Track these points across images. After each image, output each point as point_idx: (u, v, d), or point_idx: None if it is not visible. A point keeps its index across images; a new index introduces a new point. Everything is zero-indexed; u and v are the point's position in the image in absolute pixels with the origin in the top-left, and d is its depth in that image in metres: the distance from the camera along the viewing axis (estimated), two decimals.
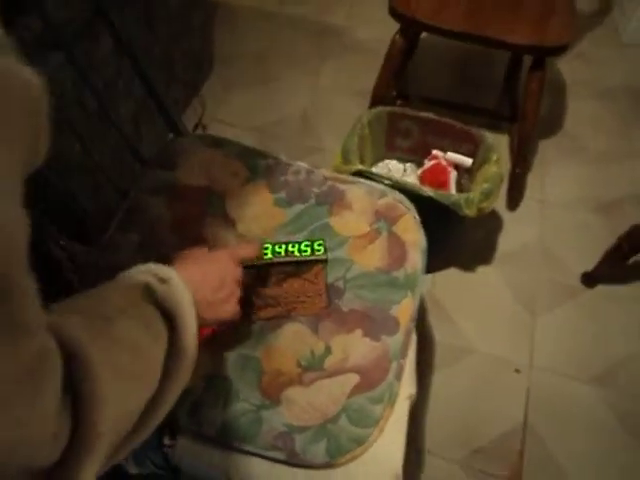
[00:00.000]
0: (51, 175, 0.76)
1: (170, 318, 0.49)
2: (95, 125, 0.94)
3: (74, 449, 0.35)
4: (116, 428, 0.40)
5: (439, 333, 1.25)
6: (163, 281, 0.52)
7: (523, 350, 1.22)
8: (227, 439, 0.64)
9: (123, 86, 1.20)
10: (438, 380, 1.18)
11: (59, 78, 0.92)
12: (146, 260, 0.76)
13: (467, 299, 1.30)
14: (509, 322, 1.27)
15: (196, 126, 1.63)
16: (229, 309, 0.60)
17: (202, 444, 0.64)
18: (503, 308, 1.29)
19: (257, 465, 0.64)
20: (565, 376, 1.19)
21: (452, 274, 1.34)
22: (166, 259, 0.58)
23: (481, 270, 1.35)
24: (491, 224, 1.42)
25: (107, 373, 0.39)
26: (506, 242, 1.39)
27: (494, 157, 1.10)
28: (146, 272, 0.53)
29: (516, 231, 1.41)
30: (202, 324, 0.55)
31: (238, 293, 0.62)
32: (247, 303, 0.70)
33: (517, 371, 1.19)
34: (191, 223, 0.79)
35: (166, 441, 0.64)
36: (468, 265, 1.35)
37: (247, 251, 0.66)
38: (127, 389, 0.41)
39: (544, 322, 1.27)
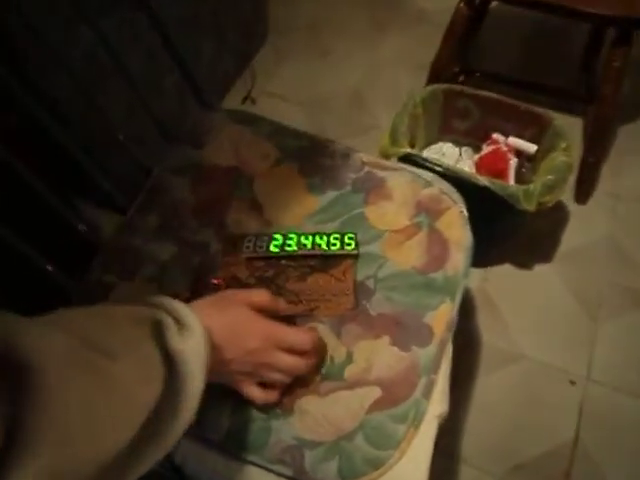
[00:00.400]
0: (71, 147, 0.72)
1: (171, 366, 0.43)
2: (123, 95, 0.89)
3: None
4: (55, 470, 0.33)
5: (487, 333, 1.15)
6: (181, 325, 0.45)
7: (580, 360, 1.11)
8: (232, 447, 0.59)
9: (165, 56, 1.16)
10: (481, 385, 1.09)
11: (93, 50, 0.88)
12: (163, 244, 0.72)
13: (522, 299, 1.19)
14: (567, 328, 1.15)
15: (245, 99, 1.58)
16: (235, 383, 0.55)
17: (206, 448, 0.60)
18: (562, 312, 1.17)
19: (262, 477, 0.58)
20: (626, 393, 1.07)
21: (507, 270, 1.23)
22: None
23: (540, 268, 1.23)
24: (555, 217, 1.29)
25: (69, 403, 0.33)
26: (571, 238, 1.26)
27: (563, 144, 0.97)
28: (161, 305, 0.46)
29: (583, 227, 1.27)
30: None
31: (275, 377, 0.56)
32: None
33: (572, 383, 1.08)
34: (215, 207, 0.74)
35: None
36: (526, 261, 1.23)
37: (294, 337, 0.57)
38: (89, 430, 0.35)
39: (607, 330, 1.14)
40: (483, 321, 1.16)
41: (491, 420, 1.05)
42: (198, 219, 0.73)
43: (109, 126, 0.77)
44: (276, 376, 0.56)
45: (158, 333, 0.43)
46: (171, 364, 0.42)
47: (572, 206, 1.30)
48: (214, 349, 0.48)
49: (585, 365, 1.10)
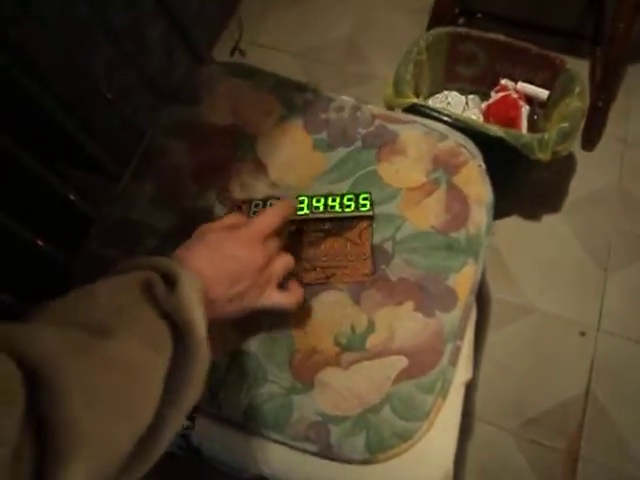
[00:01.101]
0: (56, 110, 0.66)
1: (175, 324, 0.40)
2: (105, 49, 0.82)
3: None
4: (99, 462, 0.31)
5: (495, 288, 1.13)
6: (168, 279, 0.42)
7: (591, 311, 1.09)
8: (252, 425, 0.56)
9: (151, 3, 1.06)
10: (492, 340, 1.07)
11: None
12: (162, 213, 0.67)
13: (529, 251, 1.16)
14: (576, 278, 1.13)
15: (233, 51, 1.48)
16: (249, 303, 0.50)
17: (225, 428, 0.57)
18: (570, 262, 1.14)
19: (287, 454, 0.56)
20: (637, 342, 1.06)
21: (513, 222, 1.19)
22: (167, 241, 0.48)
23: (547, 218, 1.19)
24: (562, 165, 1.24)
25: (87, 399, 0.31)
26: (578, 187, 1.22)
27: (577, 89, 0.92)
28: (146, 265, 0.43)
29: (591, 174, 1.23)
30: (220, 320, 0.46)
31: (262, 282, 0.51)
32: None
33: (582, 334, 1.07)
34: (216, 170, 0.68)
35: (184, 423, 0.56)
36: (532, 212, 1.20)
37: (272, 220, 0.54)
38: (114, 415, 0.33)
39: (617, 280, 1.12)
40: (490, 275, 1.14)
41: (503, 375, 1.04)
42: (198, 184, 0.68)
43: (93, 84, 0.70)
44: (279, 269, 0.53)
45: (149, 294, 0.41)
46: (170, 319, 0.40)
47: (579, 153, 1.25)
48: (206, 286, 0.45)
49: (595, 316, 1.08)
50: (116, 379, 0.34)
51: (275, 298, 0.52)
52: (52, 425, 0.29)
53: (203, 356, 0.41)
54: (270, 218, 0.54)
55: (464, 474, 0.97)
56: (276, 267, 0.52)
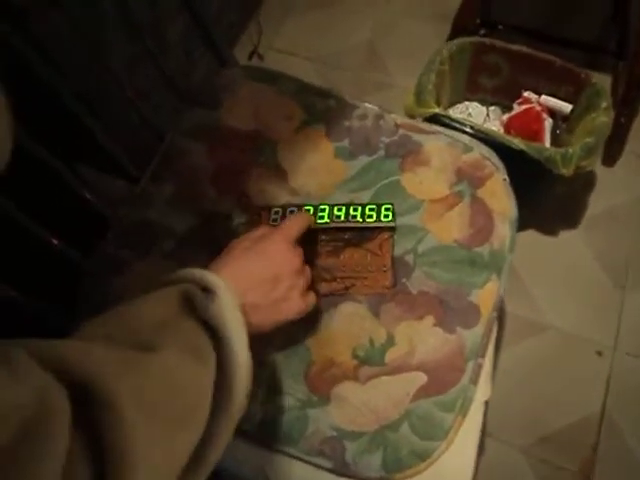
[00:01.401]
0: (76, 107, 0.65)
1: (215, 337, 0.39)
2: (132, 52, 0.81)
3: None
4: (160, 473, 0.31)
5: (510, 303, 1.11)
6: (206, 290, 0.41)
7: (608, 330, 1.07)
8: (265, 437, 0.54)
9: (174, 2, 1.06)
10: (505, 356, 1.05)
11: None
12: (180, 216, 0.66)
13: (546, 266, 1.14)
14: (593, 296, 1.10)
15: (251, 55, 1.48)
16: (291, 307, 0.49)
17: (236, 439, 0.55)
18: (588, 280, 1.12)
19: (299, 469, 0.54)
20: None
21: (530, 236, 1.17)
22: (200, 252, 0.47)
23: (565, 234, 1.17)
24: (581, 180, 1.22)
25: (141, 417, 0.30)
26: (598, 203, 1.20)
27: (603, 104, 0.90)
28: (183, 278, 0.42)
29: (611, 190, 1.21)
30: (256, 333, 0.44)
31: (301, 284, 0.50)
32: None
33: (599, 354, 1.05)
34: (236, 174, 0.67)
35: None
36: (550, 227, 1.18)
37: (298, 224, 0.53)
38: (168, 434, 0.32)
39: (635, 299, 1.10)
40: (506, 290, 1.12)
41: (516, 392, 1.02)
42: (217, 188, 0.67)
43: (114, 82, 0.69)
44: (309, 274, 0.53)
45: (189, 306, 0.40)
46: (212, 331, 0.40)
47: (599, 169, 1.24)
48: (245, 292, 0.45)
49: (612, 335, 1.06)
50: (167, 394, 0.34)
51: (314, 301, 0.52)
52: (108, 445, 0.28)
53: (246, 364, 0.40)
54: (296, 224, 0.53)
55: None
56: (308, 271, 0.52)
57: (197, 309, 0.40)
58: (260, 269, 0.47)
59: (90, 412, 0.28)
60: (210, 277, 0.42)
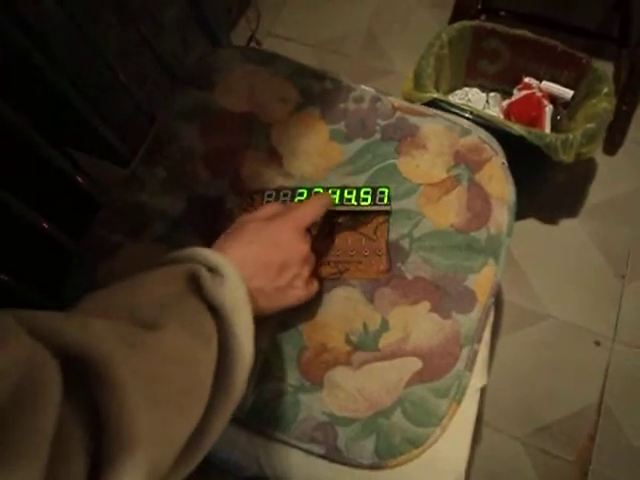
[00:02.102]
0: (69, 91, 0.63)
1: (219, 319, 0.38)
2: (120, 29, 0.80)
3: None
4: (158, 457, 0.30)
5: (509, 292, 1.10)
6: (214, 272, 0.40)
7: (606, 320, 1.06)
8: (257, 423, 0.54)
9: None
10: (503, 345, 1.05)
11: None
12: (171, 199, 0.64)
13: (545, 256, 1.13)
14: (593, 285, 1.09)
15: (249, 41, 1.46)
16: (294, 295, 0.49)
17: (228, 425, 0.54)
18: (587, 269, 1.11)
19: (291, 455, 0.54)
20: None
21: (530, 225, 1.16)
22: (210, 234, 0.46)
23: (565, 222, 1.16)
24: (581, 168, 1.21)
25: (141, 394, 0.29)
26: (598, 191, 1.19)
27: (605, 89, 0.88)
28: (191, 257, 0.41)
29: (612, 179, 1.20)
30: (259, 315, 0.43)
31: (306, 273, 0.50)
32: None
33: (597, 343, 1.04)
34: (229, 157, 0.66)
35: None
36: (550, 215, 1.17)
37: (314, 211, 0.52)
38: (168, 412, 0.31)
39: (635, 289, 1.09)
40: (504, 278, 1.10)
41: (514, 382, 1.01)
42: (210, 171, 0.66)
43: (108, 67, 0.68)
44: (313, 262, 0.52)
45: (194, 286, 0.39)
46: (217, 313, 0.39)
47: (599, 157, 1.22)
48: (251, 276, 0.44)
49: (611, 325, 1.05)
50: (169, 371, 0.33)
51: (316, 288, 0.52)
52: (108, 419, 0.27)
53: (249, 348, 0.39)
54: (312, 209, 0.52)
55: (468, 474, 0.94)
56: (313, 259, 0.51)
57: (203, 289, 0.39)
58: (269, 254, 0.46)
59: (87, 387, 0.28)
60: (218, 258, 0.41)
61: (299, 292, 0.49)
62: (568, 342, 1.04)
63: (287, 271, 0.47)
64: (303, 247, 0.49)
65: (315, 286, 0.53)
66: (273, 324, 0.57)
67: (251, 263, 0.45)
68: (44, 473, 0.23)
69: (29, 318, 0.29)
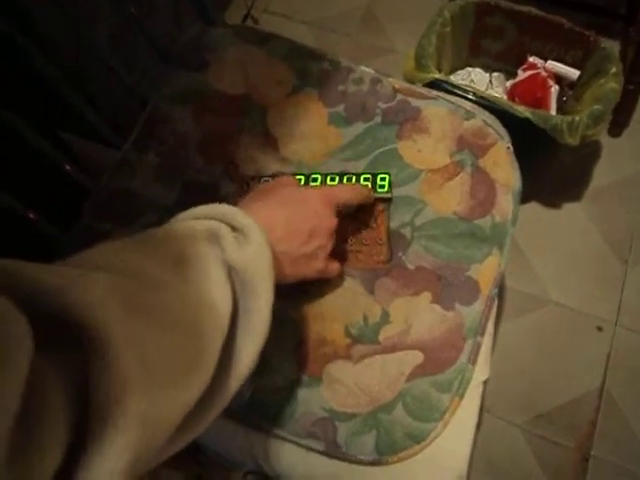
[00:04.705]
0: (50, 71, 0.61)
1: (238, 282, 0.36)
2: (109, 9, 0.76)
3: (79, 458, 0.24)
4: (142, 445, 0.27)
5: (510, 277, 1.08)
6: (237, 232, 0.38)
7: (609, 305, 1.04)
8: (254, 418, 0.52)
9: None
10: (504, 330, 1.03)
11: None
12: (164, 186, 0.62)
13: (547, 240, 1.11)
14: (595, 270, 1.08)
15: (245, 18, 1.42)
16: (315, 266, 0.48)
17: (223, 419, 0.53)
18: (590, 253, 1.09)
19: (289, 451, 0.52)
20: None
21: (531, 209, 1.14)
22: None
23: (568, 206, 1.14)
24: (585, 151, 1.18)
25: (137, 356, 0.27)
26: (602, 174, 1.16)
27: (612, 69, 0.86)
28: (211, 214, 0.38)
29: (616, 162, 1.17)
30: (279, 282, 0.41)
31: (329, 247, 0.49)
32: None
33: (599, 329, 1.02)
34: (222, 142, 0.63)
35: None
36: (552, 199, 1.14)
37: (350, 195, 0.52)
38: (168, 390, 0.29)
39: (639, 274, 1.07)
40: (506, 263, 1.09)
41: (514, 367, 1.00)
42: (204, 156, 0.63)
43: (95, 48, 0.65)
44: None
45: (215, 245, 0.36)
46: (235, 277, 0.37)
47: (604, 139, 1.19)
48: (278, 239, 0.43)
49: (614, 310, 1.04)
50: (173, 340, 0.31)
51: (337, 269, 0.52)
52: (96, 392, 0.25)
53: (266, 320, 0.37)
54: (349, 193, 0.52)
55: (470, 468, 0.94)
56: (334, 239, 0.50)
57: (224, 251, 0.36)
58: (298, 219, 0.45)
59: (75, 352, 0.25)
60: (244, 219, 0.38)
61: (319, 264, 0.48)
62: (570, 328, 1.03)
63: (314, 239, 0.46)
64: (332, 221, 0.48)
65: (336, 266, 0.52)
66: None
67: (280, 226, 0.43)
68: (11, 431, 0.21)
69: (4, 267, 0.26)
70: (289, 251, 0.44)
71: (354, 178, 0.59)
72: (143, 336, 0.28)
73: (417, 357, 0.53)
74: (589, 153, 1.18)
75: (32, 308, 0.24)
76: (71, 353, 0.25)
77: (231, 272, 0.36)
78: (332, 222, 0.48)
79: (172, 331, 0.31)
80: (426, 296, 0.55)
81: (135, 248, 0.35)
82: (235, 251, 0.36)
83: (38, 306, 0.25)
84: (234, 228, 0.38)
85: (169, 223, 0.39)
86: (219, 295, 0.35)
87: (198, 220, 0.38)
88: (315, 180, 0.59)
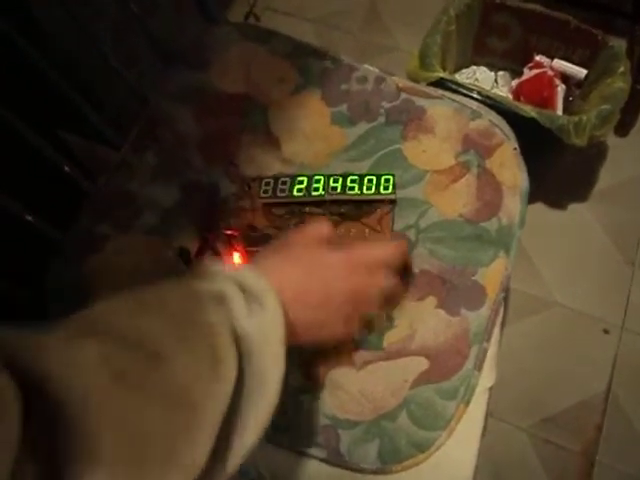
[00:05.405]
0: (49, 70, 0.59)
1: (246, 351, 0.33)
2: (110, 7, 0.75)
3: None
4: None
5: (514, 278, 1.05)
6: (249, 295, 0.34)
7: (615, 307, 1.03)
8: None
9: None
10: (509, 333, 1.02)
11: None
12: (163, 187, 0.61)
13: (553, 241, 1.10)
14: (602, 272, 1.06)
15: (247, 16, 1.40)
16: (336, 332, 0.42)
17: None
18: (596, 255, 1.08)
19: (291, 459, 0.51)
20: None
21: (537, 209, 1.12)
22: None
23: (574, 207, 1.13)
24: (591, 151, 1.17)
25: (122, 440, 0.24)
26: (608, 175, 1.15)
27: (620, 68, 0.84)
28: (224, 275, 0.35)
29: (622, 162, 1.16)
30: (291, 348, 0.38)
31: (355, 316, 0.43)
32: None
33: (605, 332, 1.01)
34: (224, 142, 0.62)
35: None
36: (558, 200, 1.13)
37: (385, 252, 0.46)
38: (159, 463, 0.27)
39: None
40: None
41: (519, 370, 0.99)
42: (204, 156, 0.62)
43: (95, 46, 0.63)
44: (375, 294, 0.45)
45: (223, 310, 0.33)
46: (242, 348, 0.33)
47: (610, 139, 1.18)
48: (288, 308, 0.37)
49: (620, 313, 1.02)
50: (167, 415, 0.28)
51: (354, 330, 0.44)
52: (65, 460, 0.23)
53: (274, 395, 0.34)
54: (386, 252, 0.46)
55: (475, 474, 0.92)
56: (373, 290, 0.44)
57: (233, 317, 0.33)
58: (314, 280, 0.40)
59: (51, 440, 0.23)
60: (258, 282, 0.35)
61: (342, 330, 0.42)
62: (576, 330, 1.01)
63: (328, 306, 0.41)
64: (362, 284, 0.42)
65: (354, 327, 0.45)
66: None
67: (291, 295, 0.38)
68: None
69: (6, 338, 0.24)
70: (297, 321, 0.38)
71: (357, 180, 0.58)
72: (134, 414, 0.26)
73: (422, 363, 0.52)
74: (595, 153, 1.17)
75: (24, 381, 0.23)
76: (46, 432, 0.23)
77: (238, 342, 0.33)
78: (354, 290, 0.42)
79: (168, 406, 0.28)
80: (431, 301, 0.54)
81: (135, 310, 0.31)
82: (247, 320, 0.33)
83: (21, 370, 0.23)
84: (244, 290, 0.34)
85: (177, 280, 0.35)
86: (223, 366, 0.31)
87: (206, 280, 0.35)
88: (318, 182, 0.58)
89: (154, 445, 0.27)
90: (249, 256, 0.55)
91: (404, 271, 0.53)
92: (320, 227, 0.44)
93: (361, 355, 0.52)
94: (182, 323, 0.31)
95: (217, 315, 0.32)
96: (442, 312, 0.54)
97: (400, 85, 0.64)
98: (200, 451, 0.30)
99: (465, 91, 0.83)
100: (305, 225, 0.45)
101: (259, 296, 0.34)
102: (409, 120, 0.62)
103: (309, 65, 0.65)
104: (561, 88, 0.91)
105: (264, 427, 0.34)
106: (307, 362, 0.52)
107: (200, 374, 0.30)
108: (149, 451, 0.26)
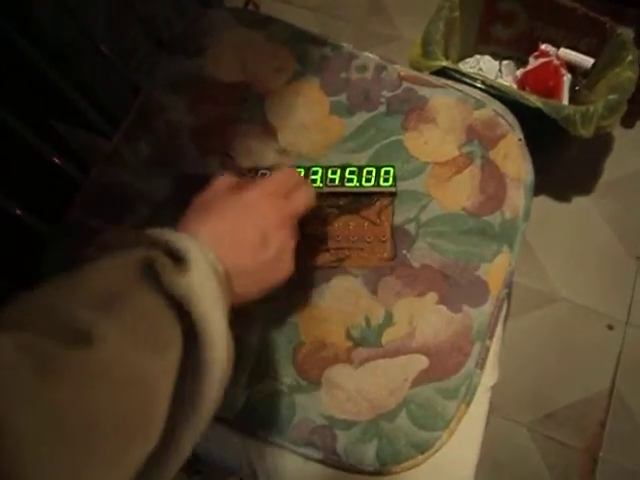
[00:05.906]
0: (39, 58, 0.58)
1: (186, 314, 0.32)
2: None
3: None
4: None
5: (518, 273, 1.04)
6: (175, 257, 0.33)
7: (620, 302, 1.01)
8: (249, 426, 0.49)
9: None
10: (512, 328, 1.00)
11: None
12: (157, 179, 0.59)
13: (557, 234, 1.08)
14: (606, 267, 1.04)
15: (246, 4, 1.38)
16: (283, 270, 0.42)
17: (218, 427, 0.50)
18: (600, 249, 1.06)
19: (287, 460, 0.50)
20: None
21: (541, 202, 1.10)
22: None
23: (578, 200, 1.11)
24: (596, 142, 1.14)
25: (51, 451, 0.22)
26: (614, 167, 1.13)
27: (629, 57, 0.82)
28: (145, 240, 0.34)
29: (628, 154, 1.14)
30: (242, 303, 0.38)
31: (291, 243, 0.42)
32: None
33: (610, 327, 0.99)
34: (219, 132, 0.60)
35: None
36: (562, 192, 1.11)
37: (286, 180, 0.45)
38: (98, 462, 0.25)
39: None
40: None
41: (522, 366, 0.97)
42: (199, 147, 0.60)
43: (86, 32, 0.61)
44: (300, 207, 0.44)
45: (150, 276, 0.32)
46: (179, 308, 0.32)
47: (616, 131, 1.15)
48: (228, 260, 0.37)
49: (625, 308, 1.01)
50: (100, 402, 0.26)
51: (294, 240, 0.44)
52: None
53: (223, 351, 0.33)
54: (287, 180, 0.45)
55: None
56: (297, 205, 0.44)
57: (162, 282, 0.32)
58: (244, 227, 0.40)
59: None
60: (181, 241, 0.34)
61: (287, 266, 0.42)
62: (580, 326, 1.00)
63: (269, 243, 0.40)
64: (282, 214, 0.42)
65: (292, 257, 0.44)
66: (265, 317, 0.52)
67: (227, 240, 0.38)
68: None
69: None
70: (244, 264, 0.39)
71: (357, 172, 0.56)
72: (59, 407, 0.24)
73: (422, 362, 0.50)
74: (601, 144, 1.14)
75: None
76: None
77: (173, 304, 0.32)
78: (282, 216, 0.42)
79: (100, 389, 0.26)
80: (432, 297, 0.52)
81: (62, 292, 0.30)
82: (173, 278, 0.32)
83: None
84: (171, 253, 0.34)
85: (103, 252, 0.34)
86: (161, 334, 0.31)
87: (134, 250, 0.34)
88: (315, 173, 0.56)
89: (104, 426, 0.25)
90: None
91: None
92: (223, 178, 0.45)
93: (359, 352, 0.50)
94: (110, 297, 0.30)
95: (146, 283, 0.32)
96: (443, 308, 0.52)
97: (402, 74, 0.62)
98: (156, 422, 0.29)
99: (469, 80, 0.81)
100: (209, 182, 0.45)
101: (185, 255, 0.34)
102: (410, 110, 0.60)
103: (307, 52, 0.63)
104: (567, 78, 0.89)
105: (218, 397, 0.34)
106: (302, 359, 0.50)
107: (135, 348, 0.29)
108: (98, 433, 0.25)
